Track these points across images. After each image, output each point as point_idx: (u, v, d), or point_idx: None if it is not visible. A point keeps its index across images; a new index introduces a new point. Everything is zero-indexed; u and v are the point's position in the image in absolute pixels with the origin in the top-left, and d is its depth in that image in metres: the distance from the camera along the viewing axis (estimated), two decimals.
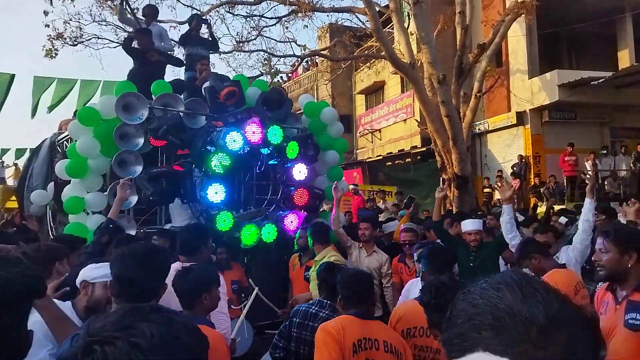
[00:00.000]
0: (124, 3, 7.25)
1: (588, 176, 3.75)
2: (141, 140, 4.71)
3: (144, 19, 7.28)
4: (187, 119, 4.86)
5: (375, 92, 22.08)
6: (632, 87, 13.19)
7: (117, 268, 2.03)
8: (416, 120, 16.26)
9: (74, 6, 12.47)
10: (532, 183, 13.99)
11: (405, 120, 19.10)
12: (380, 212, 10.98)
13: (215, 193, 4.77)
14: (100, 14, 12.84)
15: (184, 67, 7.18)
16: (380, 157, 20.29)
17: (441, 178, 12.15)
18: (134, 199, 4.73)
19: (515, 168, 14.16)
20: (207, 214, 4.92)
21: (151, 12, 7.41)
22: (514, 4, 11.11)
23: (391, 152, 19.86)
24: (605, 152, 13.71)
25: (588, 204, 3.75)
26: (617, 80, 12.77)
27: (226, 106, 4.93)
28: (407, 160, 18.98)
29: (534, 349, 0.66)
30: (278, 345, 3.03)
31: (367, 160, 20.80)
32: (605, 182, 12.69)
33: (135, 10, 7.93)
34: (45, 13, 11.70)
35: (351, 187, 12.69)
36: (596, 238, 2.45)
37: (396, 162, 19.68)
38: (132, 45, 6.50)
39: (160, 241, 4.33)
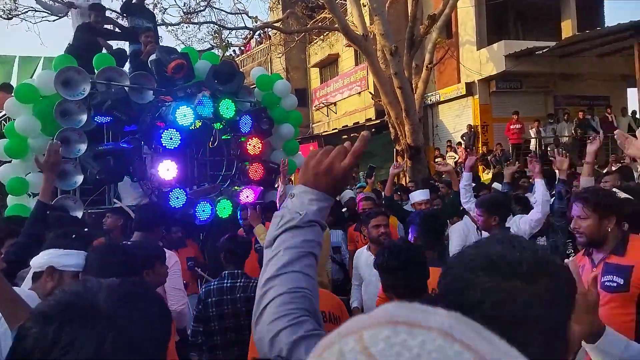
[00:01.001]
0: None
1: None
2: (84, 117, 4.51)
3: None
4: (133, 93, 4.68)
5: (329, 65, 21.96)
6: (574, 56, 13.74)
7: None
8: (370, 92, 16.35)
9: None
10: (481, 151, 14.50)
11: (359, 93, 19.18)
12: None
13: (167, 170, 4.67)
14: None
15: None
16: (336, 131, 20.36)
17: (395, 149, 12.41)
18: (80, 178, 4.55)
19: (464, 138, 14.60)
20: (159, 191, 4.81)
21: None
22: None
23: (347, 125, 19.96)
24: (551, 120, 14.33)
25: (540, 184, 3.81)
26: (560, 49, 13.27)
27: (175, 80, 4.78)
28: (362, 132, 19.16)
29: (522, 284, 0.73)
30: (198, 331, 3.03)
31: (323, 134, 20.83)
32: (549, 149, 13.32)
33: None
34: None
35: None
36: (572, 204, 2.42)
37: (352, 135, 19.81)
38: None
39: (114, 218, 4.21)
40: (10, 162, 4.63)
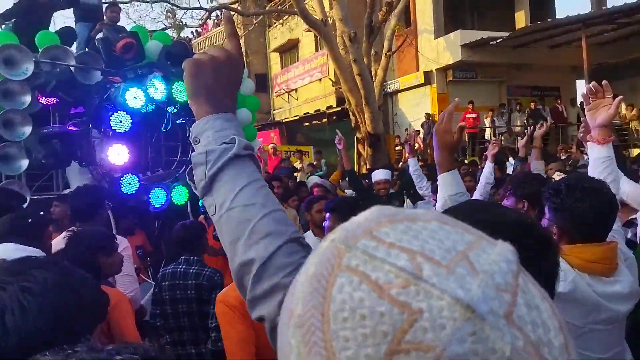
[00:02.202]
0: None
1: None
2: (28, 98, 4.26)
3: None
4: (79, 74, 4.46)
5: (290, 50, 21.76)
6: (527, 47, 14.20)
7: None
8: (330, 79, 16.35)
9: None
10: None
11: (320, 79, 19.14)
12: (296, 171, 11.08)
13: (118, 154, 4.50)
14: None
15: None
16: (297, 118, 20.28)
17: (355, 137, 12.50)
18: (25, 162, 4.33)
19: (423, 126, 14.88)
20: (109, 177, 4.65)
21: None
22: None
23: (308, 112, 19.91)
24: (504, 110, 14.79)
25: (489, 167, 3.96)
26: (514, 40, 13.68)
27: (124, 60, 4.59)
28: (323, 120, 19.17)
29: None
30: (156, 313, 3.05)
31: (284, 121, 20.70)
32: (502, 138, 13.78)
33: None
34: None
35: (270, 146, 12.63)
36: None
37: (313, 122, 19.81)
38: None
39: (62, 207, 4.03)
40: None
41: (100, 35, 4.66)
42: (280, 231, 0.74)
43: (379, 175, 5.08)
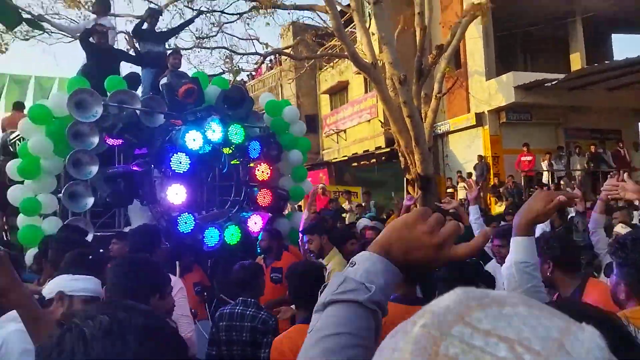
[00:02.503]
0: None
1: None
2: (96, 139, 4.55)
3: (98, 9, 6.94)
4: (144, 117, 4.72)
5: (339, 92, 22.20)
6: (583, 89, 13.77)
7: (109, 278, 1.95)
8: (380, 120, 16.44)
9: None
10: (492, 183, 14.40)
11: (369, 120, 19.30)
12: (345, 212, 11.04)
13: (176, 194, 4.67)
14: (53, 7, 12.33)
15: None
16: (346, 158, 20.41)
17: (405, 179, 12.37)
18: (90, 200, 4.56)
19: (476, 169, 14.53)
20: (167, 216, 4.79)
21: (102, 8, 7.08)
22: (470, 6, 11.43)
23: (356, 153, 20.01)
24: (562, 153, 14.24)
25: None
26: (570, 82, 13.31)
27: (185, 104, 4.83)
28: (372, 160, 19.18)
29: None
30: (212, 354, 3.02)
31: (333, 161, 20.89)
32: (561, 182, 13.21)
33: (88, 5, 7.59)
34: None
35: (319, 187, 12.72)
36: None
37: (361, 162, 19.86)
38: (90, 40, 6.22)
39: (120, 245, 4.15)
40: (22, 182, 4.67)
41: (164, 80, 4.93)
42: None
43: None
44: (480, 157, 14.68)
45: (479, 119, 15.34)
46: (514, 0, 14.07)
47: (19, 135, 5.76)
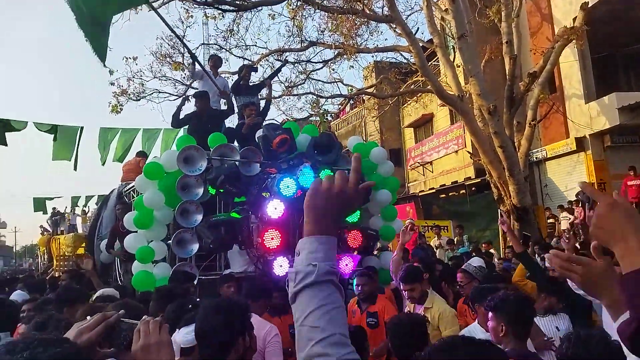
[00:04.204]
0: (194, 62, 7.72)
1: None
2: (201, 190, 4.95)
3: (211, 70, 7.70)
4: (242, 167, 5.07)
5: (424, 125, 21.97)
6: None
7: (198, 322, 2.07)
8: (468, 151, 15.95)
9: (137, 64, 13.33)
10: None
11: (456, 151, 18.80)
12: (434, 250, 10.71)
13: (272, 239, 4.89)
14: (160, 70, 13.79)
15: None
16: (434, 190, 19.94)
17: (499, 210, 11.78)
18: (196, 246, 4.94)
19: (580, 196, 13.44)
20: (264, 259, 5.02)
21: (216, 62, 7.92)
22: (564, 31, 10.88)
23: (444, 185, 19.49)
24: None
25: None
26: None
27: (279, 153, 5.11)
28: (461, 192, 18.55)
29: None
30: None
31: (419, 194, 20.48)
32: None
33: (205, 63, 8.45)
34: (111, 72, 12.73)
35: (407, 222, 12.51)
36: None
37: (450, 194, 19.27)
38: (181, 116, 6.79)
39: (233, 289, 4.31)
40: (136, 232, 5.19)
41: (260, 132, 5.28)
42: (330, 353, 0.93)
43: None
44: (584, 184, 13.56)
45: (580, 143, 14.30)
46: (609, 21, 13.19)
47: (132, 186, 6.45)
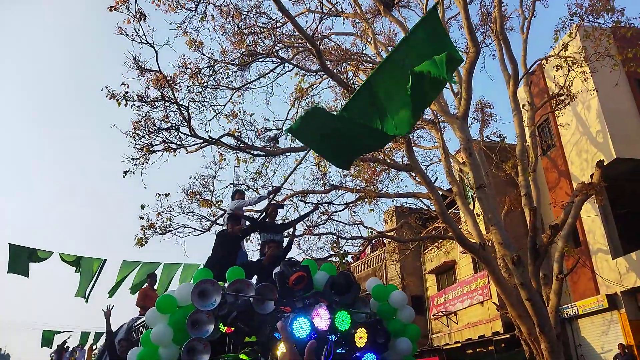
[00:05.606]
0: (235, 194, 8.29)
1: None
2: (211, 327, 4.75)
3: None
4: (256, 303, 4.92)
5: (446, 272, 21.47)
6: None
7: None
8: (494, 303, 15.24)
9: (167, 200, 13.95)
10: None
11: (482, 302, 17.97)
12: None
13: None
14: (189, 206, 14.35)
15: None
16: (459, 344, 18.63)
17: None
18: None
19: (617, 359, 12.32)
20: None
21: (241, 196, 8.38)
22: (582, 186, 11.12)
23: (470, 338, 18.25)
24: None
25: None
26: None
27: (295, 291, 4.98)
28: (489, 348, 17.26)
29: None
30: None
31: (444, 348, 19.13)
32: None
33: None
34: (142, 207, 13.29)
35: None
36: None
37: (477, 349, 17.93)
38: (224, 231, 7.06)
39: None
40: None
41: (277, 269, 5.23)
42: None
43: None
44: (622, 346, 12.51)
45: (612, 301, 13.56)
46: (630, 177, 13.53)
47: (143, 321, 6.25)
